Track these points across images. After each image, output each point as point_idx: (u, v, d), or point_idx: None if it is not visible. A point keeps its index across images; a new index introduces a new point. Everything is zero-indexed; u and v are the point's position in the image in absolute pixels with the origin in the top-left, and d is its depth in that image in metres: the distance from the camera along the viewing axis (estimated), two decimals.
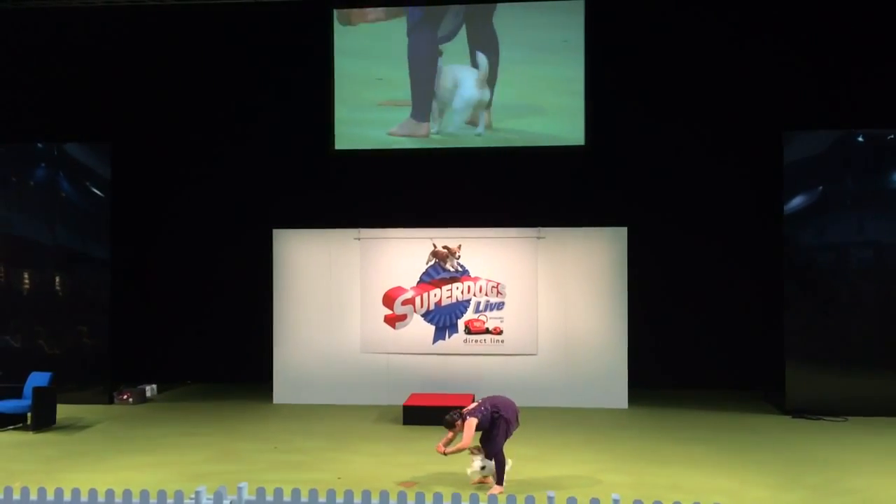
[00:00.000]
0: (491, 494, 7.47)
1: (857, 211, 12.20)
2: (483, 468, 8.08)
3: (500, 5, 14.03)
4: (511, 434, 8.23)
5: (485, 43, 13.98)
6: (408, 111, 14.20)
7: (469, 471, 8.11)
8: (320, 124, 14.39)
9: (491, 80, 13.98)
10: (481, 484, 8.17)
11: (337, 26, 14.36)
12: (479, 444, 8.16)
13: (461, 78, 14.08)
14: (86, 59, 14.78)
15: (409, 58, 14.14)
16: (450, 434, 8.26)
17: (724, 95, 13.83)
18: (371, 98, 14.28)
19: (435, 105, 14.14)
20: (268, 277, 13.39)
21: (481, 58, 14.00)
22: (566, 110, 13.91)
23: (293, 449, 9.90)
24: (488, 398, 8.37)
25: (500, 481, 8.06)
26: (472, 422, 8.01)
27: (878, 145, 12.22)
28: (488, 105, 14.00)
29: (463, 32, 14.12)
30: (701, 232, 13.97)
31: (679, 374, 13.96)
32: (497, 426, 8.08)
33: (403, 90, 14.23)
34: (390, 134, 14.09)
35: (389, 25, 14.33)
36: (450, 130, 14.15)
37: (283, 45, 14.59)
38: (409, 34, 14.17)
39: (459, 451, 8.05)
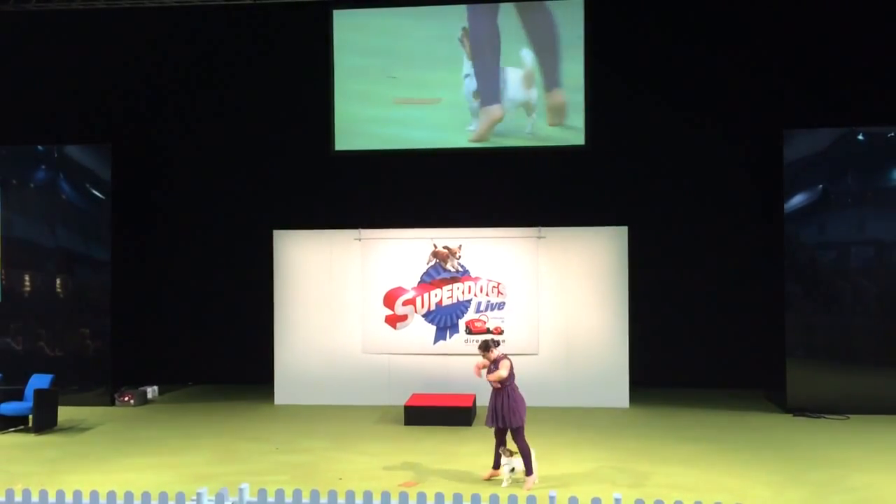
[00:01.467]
0: (526, 490, 7.57)
1: (857, 209, 12.20)
2: (513, 470, 8.19)
3: (500, 4, 14.02)
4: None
5: (541, 24, 13.96)
6: (422, 108, 14.17)
7: (504, 477, 8.21)
8: (320, 125, 14.39)
9: (554, 59, 13.90)
10: (492, 478, 8.25)
11: (337, 25, 14.35)
12: (510, 448, 8.30)
13: (506, 79, 14.01)
14: (86, 60, 14.76)
15: (471, 44, 14.04)
16: (485, 361, 8.50)
17: (725, 94, 13.82)
18: (370, 97, 14.27)
19: (475, 107, 14.05)
20: (268, 278, 13.39)
21: (526, 54, 13.91)
22: (566, 110, 13.90)
23: (295, 450, 9.90)
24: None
25: (529, 471, 8.21)
26: (507, 363, 8.34)
27: (878, 143, 12.21)
28: (534, 106, 13.95)
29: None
30: (702, 231, 13.96)
31: (680, 373, 13.95)
32: (516, 396, 8.31)
33: (414, 88, 14.17)
34: (471, 141, 13.95)
35: (389, 23, 14.32)
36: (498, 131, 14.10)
37: (283, 45, 14.59)
38: (469, 22, 14.09)
39: (498, 380, 8.28)
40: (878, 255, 12.24)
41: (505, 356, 8.47)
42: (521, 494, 5.98)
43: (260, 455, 9.63)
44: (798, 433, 10.79)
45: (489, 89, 14.00)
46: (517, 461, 8.23)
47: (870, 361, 12.07)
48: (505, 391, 8.32)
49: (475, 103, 14.02)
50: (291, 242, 13.38)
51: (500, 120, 13.92)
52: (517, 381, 8.53)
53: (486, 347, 8.56)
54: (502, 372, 8.28)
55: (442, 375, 12.76)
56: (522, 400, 8.42)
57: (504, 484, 8.13)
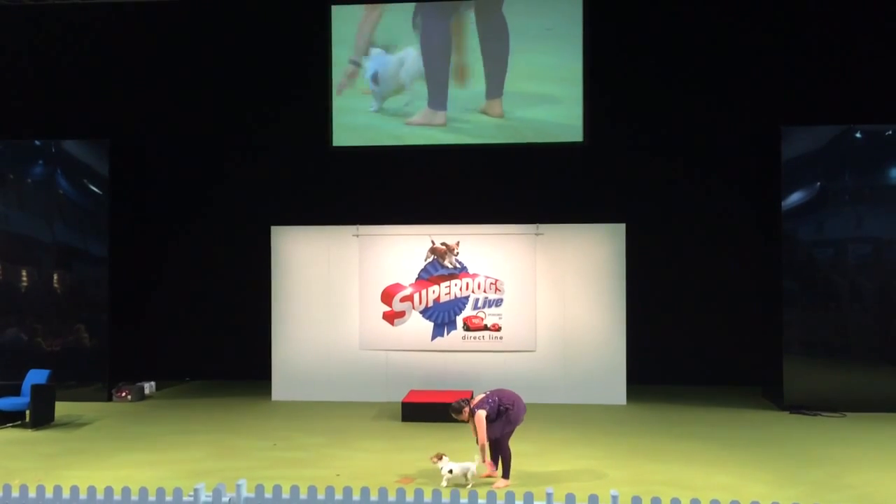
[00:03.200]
0: (495, 489, 7.46)
1: (855, 206, 12.21)
2: (451, 471, 8.00)
3: (498, 1, 14.02)
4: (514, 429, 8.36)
5: (495, 32, 14.02)
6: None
7: (444, 481, 8.01)
8: (318, 120, 14.38)
9: (501, 69, 14.02)
10: (489, 477, 8.25)
11: (335, 22, 14.34)
12: (438, 452, 8.24)
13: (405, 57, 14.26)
14: (83, 55, 14.76)
15: (421, 47, 14.15)
16: (463, 418, 8.35)
17: (723, 91, 13.83)
18: (369, 94, 14.29)
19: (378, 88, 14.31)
20: (266, 274, 13.38)
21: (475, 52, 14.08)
22: (564, 107, 13.90)
23: (292, 446, 9.90)
24: (495, 391, 8.50)
25: (506, 475, 8.17)
26: (481, 414, 8.14)
27: (876, 141, 12.21)
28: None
29: (472, 22, 14.15)
30: (699, 228, 13.97)
31: (677, 370, 13.97)
32: (502, 419, 8.22)
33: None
34: (408, 124, 14.08)
35: (385, 20, 14.33)
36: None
37: (281, 41, 14.57)
38: (421, 24, 14.18)
39: (483, 449, 8.15)
40: (876, 252, 12.25)
41: (477, 411, 8.17)
42: (518, 491, 5.98)
43: (257, 451, 9.63)
44: (794, 430, 10.81)
45: (437, 95, 14.22)
46: (454, 464, 8.04)
47: (867, 359, 12.09)
48: (496, 418, 8.22)
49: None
50: (289, 238, 13.37)
51: (441, 126, 14.08)
52: (512, 387, 8.58)
53: (458, 411, 8.31)
54: (483, 436, 8.08)
55: (439, 372, 12.78)
56: (514, 421, 8.29)
57: (444, 483, 7.94)
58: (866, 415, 11.59)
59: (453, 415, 8.43)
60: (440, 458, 8.12)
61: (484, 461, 8.17)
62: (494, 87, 14.04)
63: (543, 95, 13.99)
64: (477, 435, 8.22)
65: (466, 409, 8.31)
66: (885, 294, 12.14)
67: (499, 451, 8.29)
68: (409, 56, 13.99)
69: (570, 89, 13.88)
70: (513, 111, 14.04)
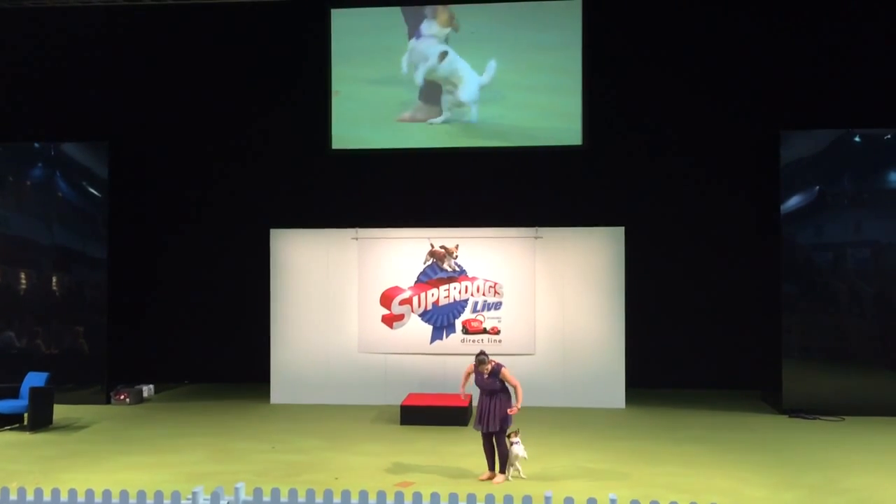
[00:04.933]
0: (495, 484, 7.68)
1: (854, 211, 12.23)
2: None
3: (497, 4, 14.03)
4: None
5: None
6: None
7: (518, 458, 8.38)
8: (318, 124, 14.39)
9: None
10: (488, 479, 8.29)
11: (334, 24, 14.36)
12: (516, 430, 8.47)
13: (466, 78, 14.10)
14: (83, 57, 14.75)
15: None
16: (469, 368, 8.81)
17: (722, 95, 13.83)
18: (368, 96, 14.28)
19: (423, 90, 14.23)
20: (265, 277, 13.38)
21: (491, 65, 13.97)
22: (563, 110, 13.92)
23: (291, 449, 9.90)
24: None
25: (503, 469, 8.33)
26: (507, 371, 8.48)
27: (875, 145, 12.23)
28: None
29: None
30: (698, 231, 13.97)
31: (676, 373, 13.97)
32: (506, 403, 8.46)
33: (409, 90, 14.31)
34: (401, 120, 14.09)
35: (387, 21, 14.34)
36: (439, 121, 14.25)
37: (280, 44, 14.58)
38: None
39: (518, 392, 8.43)
40: (875, 256, 12.27)
41: (500, 364, 8.53)
42: (517, 493, 5.97)
43: (256, 454, 9.63)
44: (793, 434, 10.81)
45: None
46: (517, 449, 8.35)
47: (866, 363, 12.10)
48: (497, 395, 8.36)
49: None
50: (288, 241, 13.37)
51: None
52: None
53: (483, 362, 8.49)
54: (516, 381, 8.45)
55: (438, 375, 12.77)
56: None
57: (518, 466, 8.34)
58: (865, 419, 11.58)
59: (478, 366, 8.52)
60: (516, 434, 8.38)
61: (518, 403, 8.39)
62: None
63: (542, 98, 13.99)
64: (518, 399, 8.43)
65: (491, 363, 8.47)
66: (884, 298, 12.14)
67: (496, 447, 8.36)
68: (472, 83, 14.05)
69: (569, 92, 13.88)
70: (512, 114, 14.05)
